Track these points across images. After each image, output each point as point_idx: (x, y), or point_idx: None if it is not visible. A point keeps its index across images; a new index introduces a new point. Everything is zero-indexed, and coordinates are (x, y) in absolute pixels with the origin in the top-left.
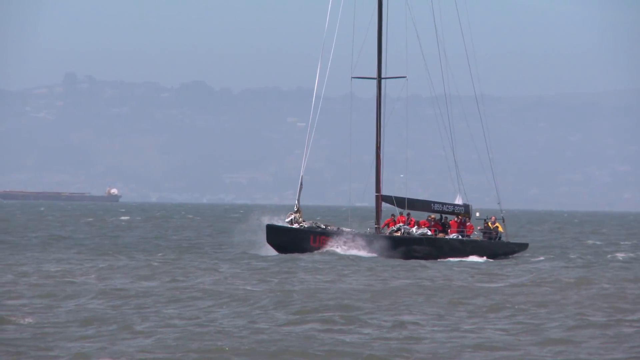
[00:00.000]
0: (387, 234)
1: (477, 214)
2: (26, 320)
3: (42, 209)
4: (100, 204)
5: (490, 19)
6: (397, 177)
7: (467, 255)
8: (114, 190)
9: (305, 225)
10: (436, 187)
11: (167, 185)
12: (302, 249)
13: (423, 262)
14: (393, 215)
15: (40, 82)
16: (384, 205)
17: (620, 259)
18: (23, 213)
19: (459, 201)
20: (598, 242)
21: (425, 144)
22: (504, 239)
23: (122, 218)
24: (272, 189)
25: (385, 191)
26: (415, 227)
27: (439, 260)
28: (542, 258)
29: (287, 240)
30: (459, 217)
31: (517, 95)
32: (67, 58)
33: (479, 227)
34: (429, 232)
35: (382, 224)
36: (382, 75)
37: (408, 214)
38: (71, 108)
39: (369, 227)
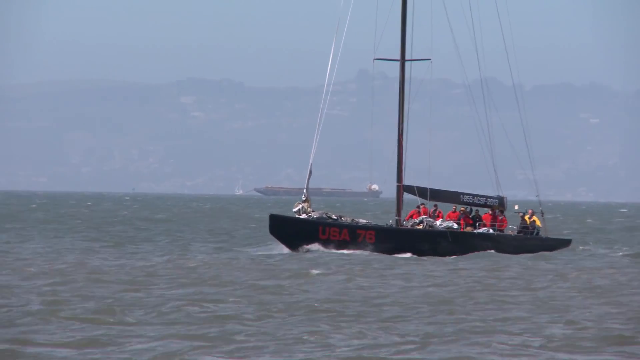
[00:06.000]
0: (409, 226)
1: (516, 207)
2: None
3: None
4: (358, 200)
5: None
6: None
7: (497, 251)
8: (375, 186)
9: (315, 216)
10: None
11: (457, 181)
12: (310, 241)
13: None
14: (418, 206)
15: (335, 79)
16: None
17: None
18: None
19: None
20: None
21: None
22: (542, 234)
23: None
24: (564, 186)
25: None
26: (441, 219)
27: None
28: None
29: (292, 232)
30: (493, 210)
31: None
32: (361, 55)
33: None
34: (455, 225)
35: (407, 216)
36: (407, 57)
37: (435, 206)
38: (364, 104)
39: (391, 220)
